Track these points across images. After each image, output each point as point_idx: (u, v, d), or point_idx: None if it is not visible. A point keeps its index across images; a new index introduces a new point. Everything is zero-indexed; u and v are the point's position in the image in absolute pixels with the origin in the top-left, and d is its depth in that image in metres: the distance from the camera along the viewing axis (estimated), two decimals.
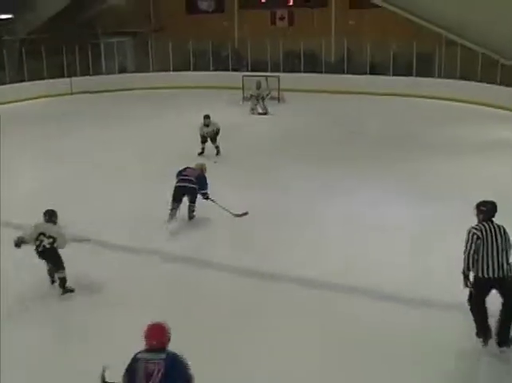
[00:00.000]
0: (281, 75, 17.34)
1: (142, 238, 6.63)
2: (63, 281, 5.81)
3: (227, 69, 19.85)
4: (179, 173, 7.56)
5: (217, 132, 10.34)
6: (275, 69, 18.86)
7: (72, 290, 5.82)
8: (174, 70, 19.93)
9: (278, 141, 11.84)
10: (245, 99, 16.51)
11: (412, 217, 7.29)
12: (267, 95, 15.30)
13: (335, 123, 13.70)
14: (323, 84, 18.24)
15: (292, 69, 19.01)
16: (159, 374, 3.41)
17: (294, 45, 18.76)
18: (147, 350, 3.52)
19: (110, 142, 11.93)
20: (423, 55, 17.20)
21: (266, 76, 16.37)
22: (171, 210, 7.28)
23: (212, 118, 10.62)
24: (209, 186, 7.49)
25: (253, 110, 15.12)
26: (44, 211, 5.85)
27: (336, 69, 18.76)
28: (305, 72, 18.94)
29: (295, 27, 19.78)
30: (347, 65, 18.57)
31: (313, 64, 19.04)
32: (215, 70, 19.96)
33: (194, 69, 20.13)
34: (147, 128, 13.31)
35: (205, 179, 7.57)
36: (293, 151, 10.77)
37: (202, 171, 7.65)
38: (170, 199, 7.21)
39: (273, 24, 20.20)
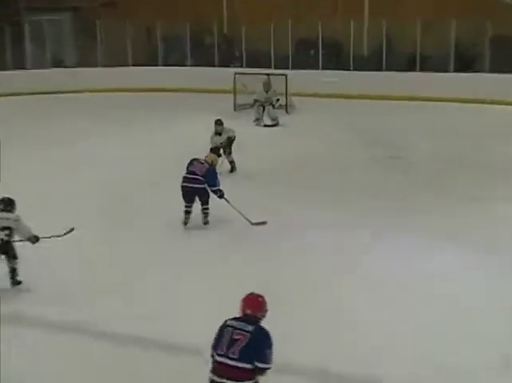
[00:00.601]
0: (290, 73, 17.27)
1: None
2: (14, 271, 6.97)
3: (212, 64, 19.89)
4: (187, 167, 8.76)
5: (232, 141, 11.26)
6: (281, 64, 18.84)
7: (19, 282, 6.99)
8: (134, 65, 20.05)
9: (290, 166, 12.01)
10: (239, 107, 16.68)
11: (478, 285, 7.19)
12: (277, 101, 15.68)
13: (368, 142, 13.81)
14: (351, 85, 18.09)
15: (306, 64, 19.06)
16: (241, 345, 4.26)
17: (309, 30, 18.83)
18: (238, 318, 4.43)
19: (34, 172, 11.41)
20: (501, 40, 17.17)
21: (269, 75, 16.28)
22: (185, 211, 8.70)
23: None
24: (220, 182, 8.69)
25: (258, 120, 15.38)
26: None
27: (370, 63, 18.70)
28: (324, 68, 18.90)
29: (311, 2, 19.64)
30: (386, 58, 18.48)
31: (336, 57, 19.07)
32: (195, 65, 20.00)
33: (165, 64, 20.20)
34: (99, 152, 12.89)
35: (215, 173, 8.76)
36: (310, 182, 10.88)
37: (211, 164, 8.83)
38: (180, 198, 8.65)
39: None
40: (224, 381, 4.29)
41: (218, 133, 11.25)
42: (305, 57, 19.36)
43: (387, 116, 16.09)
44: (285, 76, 16.61)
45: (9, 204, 7.03)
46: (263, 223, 8.72)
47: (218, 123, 11.32)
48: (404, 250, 8.02)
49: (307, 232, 8.50)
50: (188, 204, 8.75)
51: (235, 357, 4.27)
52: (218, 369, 4.33)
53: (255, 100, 15.53)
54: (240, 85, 16.69)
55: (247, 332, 4.34)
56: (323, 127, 15.09)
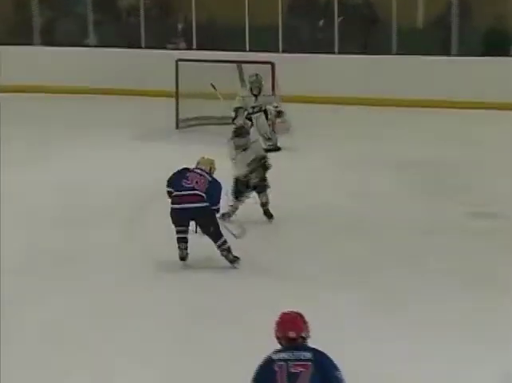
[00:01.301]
0: (280, 59, 16.94)
1: None
2: None
3: (136, 44, 19.55)
4: (176, 180, 9.93)
5: (265, 166, 11.71)
6: (264, 43, 18.73)
7: None
8: None
9: (302, 229, 11.84)
10: (184, 122, 16.45)
11: None
12: (279, 113, 15.51)
13: (424, 184, 13.59)
14: (393, 81, 17.59)
15: (309, 44, 19.17)
16: (307, 378, 5.10)
17: None
18: (284, 349, 5.29)
19: None
20: None
21: (240, 63, 16.28)
22: (180, 239, 9.81)
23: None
24: (223, 195, 10.20)
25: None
26: None
27: (427, 43, 18.45)
28: (343, 52, 18.55)
29: None
30: (459, 34, 18.03)
31: (366, 31, 19.07)
32: (103, 45, 19.86)
33: (46, 43, 20.03)
34: None
35: (219, 187, 9.93)
36: (335, 256, 10.86)
37: (211, 172, 10.09)
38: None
39: None
40: None
41: (241, 149, 11.57)
42: (306, 31, 19.37)
43: (459, 138, 15.55)
44: (271, 65, 16.15)
45: None
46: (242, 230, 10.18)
47: (241, 132, 11.74)
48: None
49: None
50: (183, 228, 9.71)
51: None
52: None
53: (237, 109, 15.20)
54: (206, 86, 16.09)
55: (307, 360, 5.10)
56: (347, 156, 14.77)
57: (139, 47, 19.27)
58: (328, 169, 14.38)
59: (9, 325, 8.93)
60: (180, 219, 9.80)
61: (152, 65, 17.99)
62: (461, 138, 15.56)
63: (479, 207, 12.35)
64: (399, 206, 12.78)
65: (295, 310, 5.46)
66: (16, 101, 18.23)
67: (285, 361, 5.09)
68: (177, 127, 16.15)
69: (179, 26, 19.76)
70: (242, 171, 11.49)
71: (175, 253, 10.06)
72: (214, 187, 9.83)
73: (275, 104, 15.47)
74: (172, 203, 9.77)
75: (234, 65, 15.99)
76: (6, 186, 13.50)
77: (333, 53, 18.34)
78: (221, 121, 15.72)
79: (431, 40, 18.58)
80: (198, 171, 9.95)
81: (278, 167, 13.34)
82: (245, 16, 18.63)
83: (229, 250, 9.80)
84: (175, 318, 8.89)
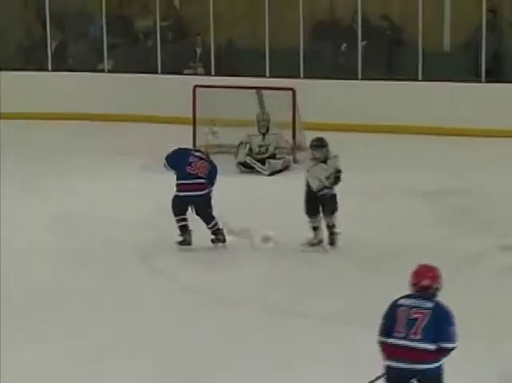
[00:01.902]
0: (301, 85, 16.88)
1: None
2: None
3: (152, 69, 19.41)
4: (179, 164, 10.67)
5: (335, 181, 11.56)
6: (284, 68, 18.59)
7: None
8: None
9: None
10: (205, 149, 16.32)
11: None
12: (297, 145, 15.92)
13: (460, 218, 13.09)
14: (420, 108, 17.44)
15: (331, 68, 19.01)
16: (423, 324, 5.80)
17: (337, 6, 19.20)
18: (410, 295, 6.06)
19: None
20: None
21: (260, 89, 16.19)
22: (183, 227, 10.62)
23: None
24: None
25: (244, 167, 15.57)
26: None
27: (456, 68, 18.20)
28: (366, 78, 18.39)
29: None
30: (489, 56, 17.67)
31: (389, 55, 18.95)
32: (118, 71, 19.70)
33: (58, 68, 19.76)
34: None
35: (216, 168, 10.93)
36: (358, 290, 10.63)
37: (207, 155, 11.14)
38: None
39: None
40: (403, 365, 5.81)
41: (320, 160, 11.28)
42: (329, 55, 19.27)
43: (487, 167, 15.39)
44: (292, 91, 16.02)
45: None
46: (247, 231, 10.81)
47: (318, 144, 11.29)
48: None
49: None
50: (183, 216, 10.48)
51: (418, 337, 5.71)
52: (396, 353, 5.81)
53: (239, 145, 15.19)
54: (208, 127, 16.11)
55: (427, 309, 5.80)
56: (370, 185, 14.42)
57: (156, 72, 19.27)
58: (351, 199, 13.49)
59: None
60: (182, 206, 10.55)
61: (169, 90, 17.94)
62: (489, 166, 15.35)
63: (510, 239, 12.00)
64: (425, 238, 12.28)
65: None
66: (27, 128, 18.13)
67: (408, 307, 5.80)
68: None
69: (197, 51, 19.56)
70: (316, 183, 11.18)
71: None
72: (213, 171, 10.74)
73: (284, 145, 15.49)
74: (177, 190, 10.54)
75: (254, 91, 15.98)
76: (13, 216, 13.13)
77: (356, 78, 18.29)
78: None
79: (458, 64, 18.34)
80: (199, 154, 10.86)
81: (298, 197, 12.75)
82: (265, 40, 18.57)
83: (219, 230, 10.65)
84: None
